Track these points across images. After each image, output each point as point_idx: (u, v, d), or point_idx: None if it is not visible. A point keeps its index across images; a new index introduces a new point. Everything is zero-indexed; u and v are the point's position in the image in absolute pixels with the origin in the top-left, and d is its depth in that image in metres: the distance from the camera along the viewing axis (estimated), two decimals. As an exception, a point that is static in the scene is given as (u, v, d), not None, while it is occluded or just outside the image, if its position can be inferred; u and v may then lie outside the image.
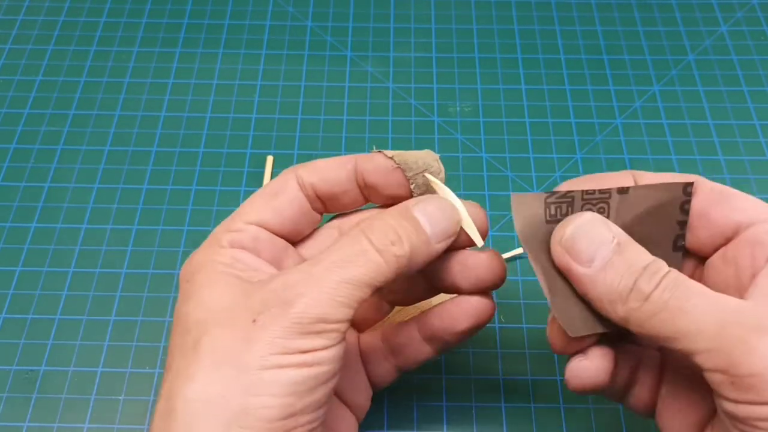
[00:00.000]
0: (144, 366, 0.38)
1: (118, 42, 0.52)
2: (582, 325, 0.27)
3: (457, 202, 0.28)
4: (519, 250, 0.41)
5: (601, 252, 0.25)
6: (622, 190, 0.27)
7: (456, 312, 0.29)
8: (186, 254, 0.42)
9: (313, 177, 0.28)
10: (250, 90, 0.49)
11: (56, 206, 0.44)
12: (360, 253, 0.25)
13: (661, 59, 0.51)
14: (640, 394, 0.29)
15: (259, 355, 0.23)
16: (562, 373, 0.37)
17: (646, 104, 0.49)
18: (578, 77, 0.50)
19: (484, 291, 0.29)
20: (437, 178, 0.28)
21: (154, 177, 0.45)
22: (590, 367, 0.27)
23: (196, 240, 0.42)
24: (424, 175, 0.28)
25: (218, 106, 0.49)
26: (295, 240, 0.29)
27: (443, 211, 0.27)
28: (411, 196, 0.28)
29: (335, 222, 0.31)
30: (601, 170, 0.45)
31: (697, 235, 0.27)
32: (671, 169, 0.45)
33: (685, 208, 0.27)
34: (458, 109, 0.49)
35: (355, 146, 0.46)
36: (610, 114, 0.48)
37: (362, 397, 0.31)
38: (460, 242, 0.28)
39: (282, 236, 0.29)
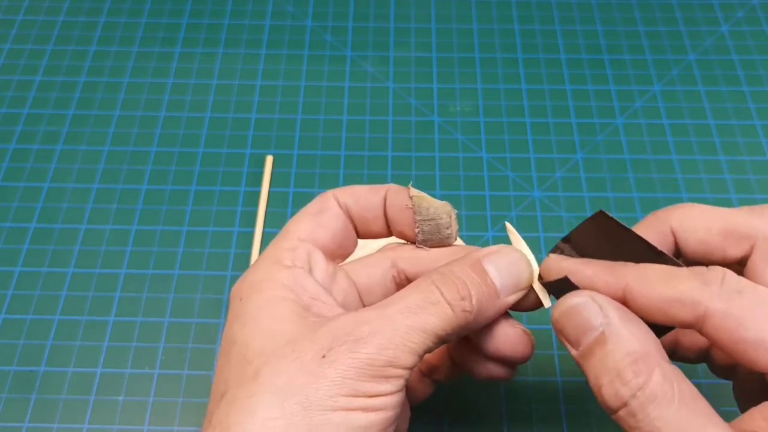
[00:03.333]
0: (143, 367, 0.38)
1: (118, 42, 0.52)
2: None
3: (531, 258, 0.28)
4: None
5: (586, 339, 0.24)
6: (566, 239, 0.28)
7: (481, 367, 0.29)
8: (186, 254, 0.42)
9: (348, 198, 0.28)
10: (250, 90, 0.49)
11: (55, 206, 0.43)
12: (433, 303, 0.24)
13: (662, 59, 0.51)
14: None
15: (328, 394, 0.22)
16: (562, 374, 0.37)
17: (647, 104, 0.49)
18: (579, 77, 0.50)
19: (507, 362, 0.29)
20: (446, 232, 0.28)
21: (153, 177, 0.45)
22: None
23: (195, 240, 0.42)
24: (431, 224, 0.28)
25: (218, 105, 0.48)
26: (340, 260, 0.29)
27: (515, 266, 0.27)
28: (415, 240, 0.28)
29: (389, 253, 0.30)
30: (601, 171, 0.45)
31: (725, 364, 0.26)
32: (671, 170, 0.45)
33: (621, 226, 0.26)
34: (458, 108, 0.49)
35: (355, 146, 0.46)
36: (611, 114, 0.48)
37: (405, 424, 0.31)
38: (526, 301, 0.28)
39: (329, 254, 0.28)
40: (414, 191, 0.28)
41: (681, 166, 0.46)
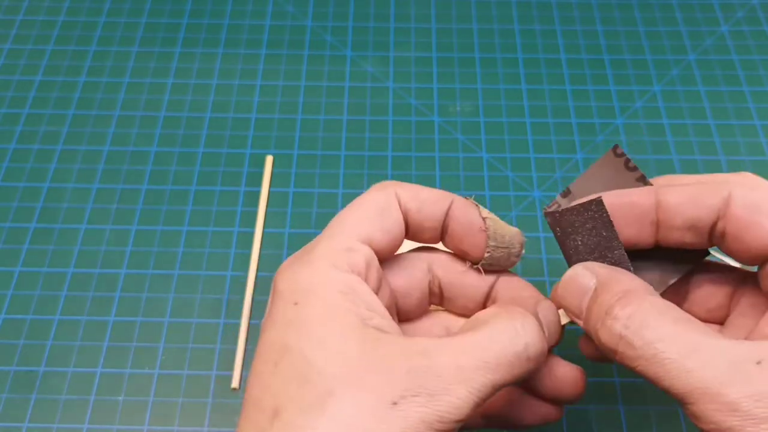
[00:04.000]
0: (143, 367, 0.38)
1: (118, 42, 0.52)
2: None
3: (560, 313, 0.28)
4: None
5: (584, 303, 0.25)
6: (566, 193, 0.28)
7: (526, 412, 0.28)
8: (186, 254, 0.42)
9: (412, 203, 0.27)
10: (250, 90, 0.49)
11: (55, 206, 0.43)
12: (516, 358, 0.23)
13: (662, 59, 0.51)
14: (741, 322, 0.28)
15: None
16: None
17: (647, 104, 0.49)
18: (579, 77, 0.50)
19: (558, 401, 0.28)
20: (514, 260, 0.27)
21: (153, 177, 0.45)
22: None
23: (195, 240, 0.42)
24: (503, 252, 0.27)
25: (218, 106, 0.48)
26: (383, 260, 0.27)
27: (557, 323, 0.27)
28: (477, 262, 0.28)
29: (424, 255, 0.29)
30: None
31: (740, 257, 0.26)
32: (671, 171, 0.45)
33: (629, 165, 0.28)
34: (458, 109, 0.49)
35: (355, 146, 0.46)
36: (611, 114, 0.48)
37: None
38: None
39: (381, 257, 0.27)
40: (485, 212, 0.27)
41: (681, 166, 0.46)
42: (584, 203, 0.27)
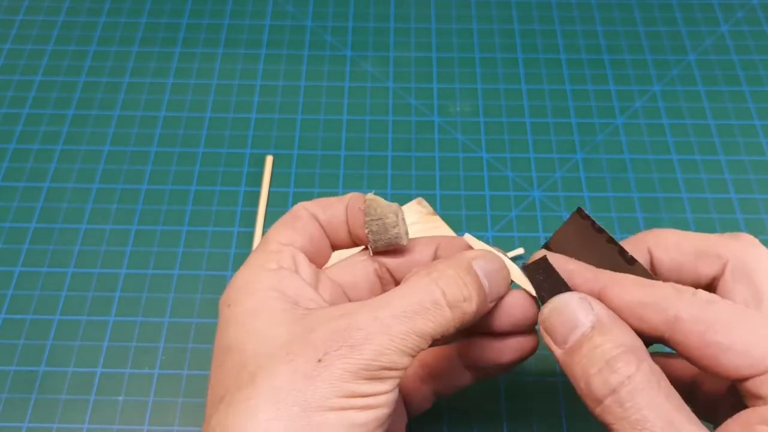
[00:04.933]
0: (143, 367, 0.38)
1: (118, 42, 0.52)
2: None
3: (507, 261, 0.28)
4: (520, 251, 0.41)
5: (574, 336, 0.25)
6: (546, 246, 0.29)
7: (501, 346, 0.29)
8: (185, 255, 0.42)
9: (316, 208, 0.29)
10: (250, 90, 0.49)
11: (55, 206, 0.43)
12: (432, 306, 0.24)
13: (662, 59, 0.51)
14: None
15: (325, 396, 0.22)
16: (562, 374, 0.37)
17: (647, 104, 0.49)
18: (579, 77, 0.50)
19: (520, 331, 0.29)
20: (393, 231, 0.28)
21: (153, 177, 0.45)
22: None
23: (195, 240, 0.42)
24: (378, 223, 0.29)
25: (218, 106, 0.48)
26: (319, 266, 0.29)
27: (500, 273, 0.27)
28: (367, 242, 0.29)
29: (367, 251, 0.30)
30: (601, 171, 0.45)
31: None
32: (671, 170, 0.45)
33: (596, 227, 0.28)
34: (458, 109, 0.49)
35: (355, 146, 0.46)
36: (611, 114, 0.48)
37: (400, 427, 0.31)
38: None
39: (309, 258, 0.29)
40: (370, 196, 0.29)
41: (681, 166, 0.46)
42: (535, 261, 0.28)
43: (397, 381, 0.24)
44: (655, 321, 0.24)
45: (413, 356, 0.24)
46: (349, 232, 0.29)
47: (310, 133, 0.47)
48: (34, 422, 0.36)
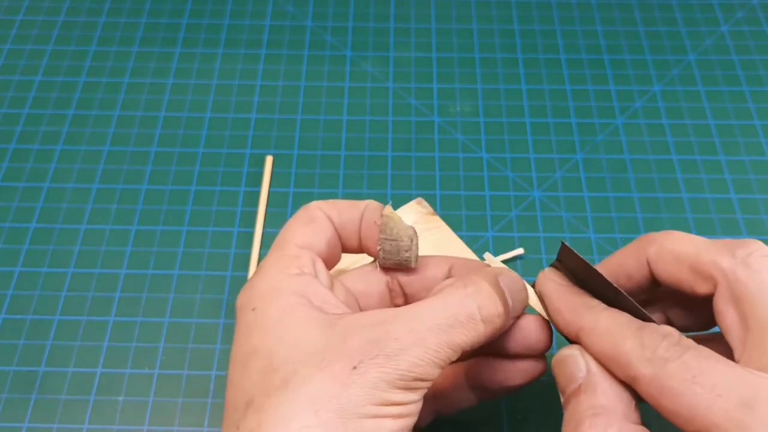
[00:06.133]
0: (143, 367, 0.38)
1: (118, 42, 0.52)
2: None
3: (525, 283, 0.29)
4: (520, 251, 0.41)
5: (569, 389, 0.26)
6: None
7: (511, 368, 0.29)
8: (185, 255, 0.42)
9: (332, 210, 0.29)
10: (250, 90, 0.49)
11: (55, 207, 0.43)
12: (467, 319, 0.25)
13: (662, 59, 0.51)
14: None
15: (360, 403, 0.23)
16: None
17: (647, 104, 0.49)
18: (579, 77, 0.50)
19: (532, 355, 0.29)
20: (405, 255, 0.29)
21: (153, 177, 0.45)
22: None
23: (195, 240, 0.42)
24: (393, 244, 0.29)
25: (218, 106, 0.48)
26: (329, 268, 0.29)
27: (523, 291, 0.28)
28: (377, 257, 0.29)
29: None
30: (601, 171, 0.45)
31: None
32: (671, 170, 0.45)
33: (583, 260, 0.27)
34: (458, 109, 0.49)
35: (355, 146, 0.46)
36: (611, 114, 0.48)
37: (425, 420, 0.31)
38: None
39: (324, 261, 0.29)
40: (388, 210, 0.29)
41: (681, 166, 0.46)
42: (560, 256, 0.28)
43: (425, 391, 0.24)
44: (620, 375, 0.25)
45: (443, 368, 0.24)
46: (360, 241, 0.29)
47: (310, 133, 0.47)
48: (34, 422, 0.36)
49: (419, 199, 0.42)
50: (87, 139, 0.47)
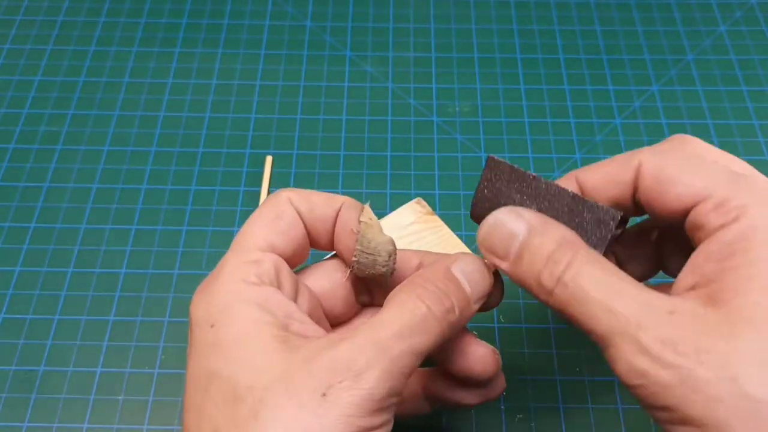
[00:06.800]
0: (143, 366, 0.38)
1: (117, 42, 0.52)
2: None
3: (484, 263, 0.28)
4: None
5: (512, 246, 0.26)
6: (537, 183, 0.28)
7: (464, 389, 0.29)
8: (185, 254, 0.42)
9: (304, 205, 0.27)
10: (250, 90, 0.49)
11: (55, 206, 0.44)
12: (422, 322, 0.24)
13: (660, 59, 0.51)
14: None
15: None
16: (561, 373, 0.37)
17: (646, 104, 0.49)
18: (577, 77, 0.50)
19: (474, 380, 0.29)
20: (381, 269, 0.27)
21: (153, 177, 0.45)
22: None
23: (195, 240, 0.42)
24: (369, 258, 0.27)
25: (217, 105, 0.49)
26: (294, 267, 0.28)
27: (480, 273, 0.27)
28: (351, 265, 0.27)
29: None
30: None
31: (661, 221, 0.27)
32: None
33: (516, 170, 0.28)
34: (458, 109, 0.49)
35: (354, 146, 0.46)
36: (610, 114, 0.48)
37: None
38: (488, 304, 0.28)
39: (291, 262, 0.27)
40: (366, 215, 0.27)
41: (679, 166, 0.46)
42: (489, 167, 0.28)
43: (394, 408, 0.24)
44: (624, 176, 0.26)
45: (409, 377, 0.24)
46: (332, 241, 0.28)
47: (309, 133, 0.47)
48: (34, 422, 0.36)
49: (418, 198, 0.42)
50: (87, 139, 0.47)
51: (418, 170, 0.45)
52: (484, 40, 0.53)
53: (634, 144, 0.47)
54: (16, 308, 0.40)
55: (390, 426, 0.24)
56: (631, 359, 0.22)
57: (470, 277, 0.26)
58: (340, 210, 0.28)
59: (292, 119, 0.48)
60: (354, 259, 0.27)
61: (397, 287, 0.26)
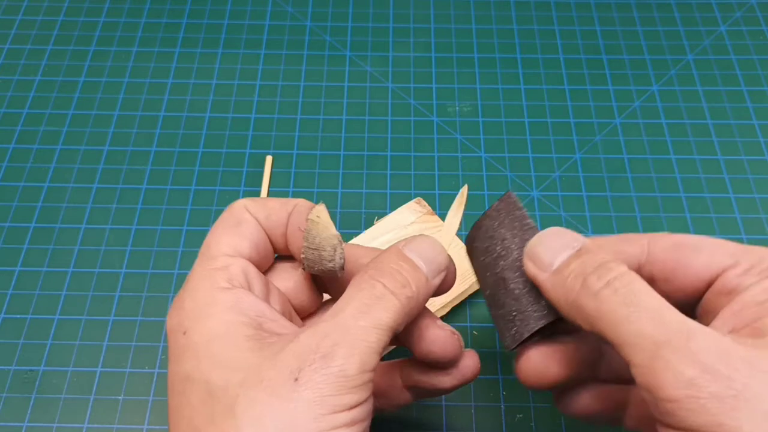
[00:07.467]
0: (143, 366, 0.38)
1: (117, 42, 0.52)
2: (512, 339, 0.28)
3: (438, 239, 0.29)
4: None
5: (561, 256, 0.26)
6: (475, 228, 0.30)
7: (438, 372, 0.29)
8: (185, 254, 0.42)
9: (260, 212, 0.28)
10: (250, 90, 0.49)
11: (55, 206, 0.44)
12: (379, 298, 0.25)
13: (660, 59, 0.51)
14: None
15: (311, 416, 0.22)
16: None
17: (645, 104, 0.49)
18: (577, 77, 0.50)
19: (444, 364, 0.29)
20: (327, 265, 0.27)
21: (153, 177, 0.45)
22: (536, 355, 0.27)
23: (195, 240, 0.42)
24: (315, 253, 0.27)
25: (217, 105, 0.49)
26: (262, 269, 0.29)
27: (433, 249, 0.27)
28: (302, 263, 0.28)
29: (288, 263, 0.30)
30: (599, 170, 0.45)
31: (674, 298, 0.26)
32: (670, 169, 0.45)
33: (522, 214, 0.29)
34: (457, 108, 0.49)
35: (354, 146, 0.46)
36: (609, 114, 0.48)
37: None
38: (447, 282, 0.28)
39: (258, 266, 0.28)
40: (315, 212, 0.27)
41: (679, 166, 0.46)
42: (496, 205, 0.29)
43: (370, 386, 0.24)
44: (634, 248, 0.27)
45: (380, 353, 0.24)
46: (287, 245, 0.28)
47: (309, 133, 0.47)
48: (34, 421, 0.36)
49: (418, 198, 0.42)
50: (87, 138, 0.47)
51: (418, 170, 0.45)
52: (484, 40, 0.53)
53: (634, 144, 0.47)
54: (16, 308, 0.40)
55: (368, 407, 0.24)
56: (680, 367, 0.21)
57: (423, 255, 0.27)
58: (291, 212, 0.28)
59: (292, 119, 0.48)
60: (302, 255, 0.27)
61: (356, 274, 0.27)
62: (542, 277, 0.26)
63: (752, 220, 0.43)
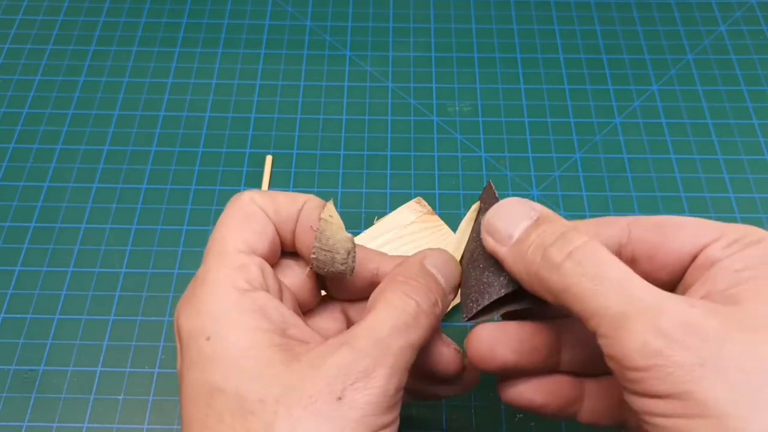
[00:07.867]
0: (143, 366, 0.38)
1: (117, 41, 0.52)
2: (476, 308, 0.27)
3: (450, 255, 0.29)
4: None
5: (519, 227, 0.25)
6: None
7: (440, 387, 0.30)
8: (185, 254, 0.42)
9: (269, 206, 0.27)
10: (250, 89, 0.49)
11: (55, 206, 0.44)
12: (415, 317, 0.25)
13: (660, 59, 0.51)
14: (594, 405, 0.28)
15: None
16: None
17: (645, 104, 0.49)
18: (577, 77, 0.50)
19: (443, 377, 0.29)
20: (339, 267, 0.27)
21: (153, 177, 0.45)
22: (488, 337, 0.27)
23: (195, 239, 0.42)
24: (327, 255, 0.26)
25: (217, 105, 0.49)
26: (272, 265, 0.28)
27: (450, 265, 0.28)
28: (310, 262, 0.27)
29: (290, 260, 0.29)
30: (599, 170, 0.45)
31: (656, 277, 0.26)
32: (670, 169, 0.45)
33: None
34: (457, 108, 0.49)
35: (354, 146, 0.46)
36: (609, 113, 0.48)
37: None
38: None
39: (269, 261, 0.27)
40: (327, 212, 0.27)
41: (679, 166, 0.46)
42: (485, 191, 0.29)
43: (401, 404, 0.24)
44: (614, 230, 0.26)
45: (408, 372, 0.24)
46: (294, 241, 0.28)
47: (309, 133, 0.47)
48: (34, 421, 0.36)
49: (418, 198, 0.42)
50: (87, 138, 0.47)
51: (417, 170, 0.45)
52: (484, 40, 0.53)
53: (634, 143, 0.47)
54: (16, 308, 0.40)
55: (398, 422, 0.24)
56: (646, 338, 0.20)
57: (442, 270, 0.27)
58: (302, 208, 0.27)
59: (292, 119, 0.48)
60: (312, 256, 0.27)
61: (379, 287, 0.26)
62: (502, 251, 0.25)
63: (752, 220, 0.43)
